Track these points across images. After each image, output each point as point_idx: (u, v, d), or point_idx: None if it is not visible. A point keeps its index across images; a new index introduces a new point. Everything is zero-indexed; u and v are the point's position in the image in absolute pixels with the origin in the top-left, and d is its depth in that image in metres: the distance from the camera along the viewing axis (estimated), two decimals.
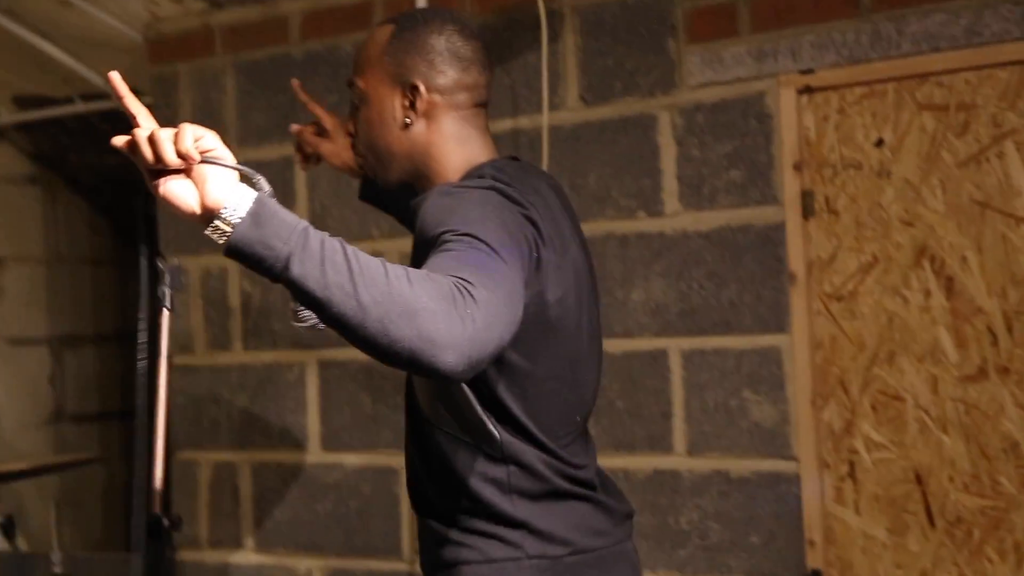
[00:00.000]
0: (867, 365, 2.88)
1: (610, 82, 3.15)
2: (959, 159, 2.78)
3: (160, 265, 1.89)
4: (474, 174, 1.76)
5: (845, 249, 2.90)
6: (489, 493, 1.74)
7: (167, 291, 1.87)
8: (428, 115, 1.79)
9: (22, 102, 4.40)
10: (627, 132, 3.14)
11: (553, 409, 1.77)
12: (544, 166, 3.17)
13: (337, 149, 2.19)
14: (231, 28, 3.67)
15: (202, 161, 1.42)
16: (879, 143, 2.85)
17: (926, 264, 2.81)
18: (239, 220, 1.39)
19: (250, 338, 3.67)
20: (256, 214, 1.39)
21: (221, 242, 1.40)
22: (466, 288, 1.41)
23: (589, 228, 3.15)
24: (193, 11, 3.68)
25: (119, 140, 1.44)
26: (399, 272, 1.40)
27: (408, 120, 1.78)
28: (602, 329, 1.92)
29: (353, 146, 1.88)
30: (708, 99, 3.03)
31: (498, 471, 1.74)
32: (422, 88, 1.77)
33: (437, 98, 1.78)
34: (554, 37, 3.18)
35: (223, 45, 3.69)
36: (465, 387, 1.70)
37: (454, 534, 1.76)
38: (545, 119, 3.18)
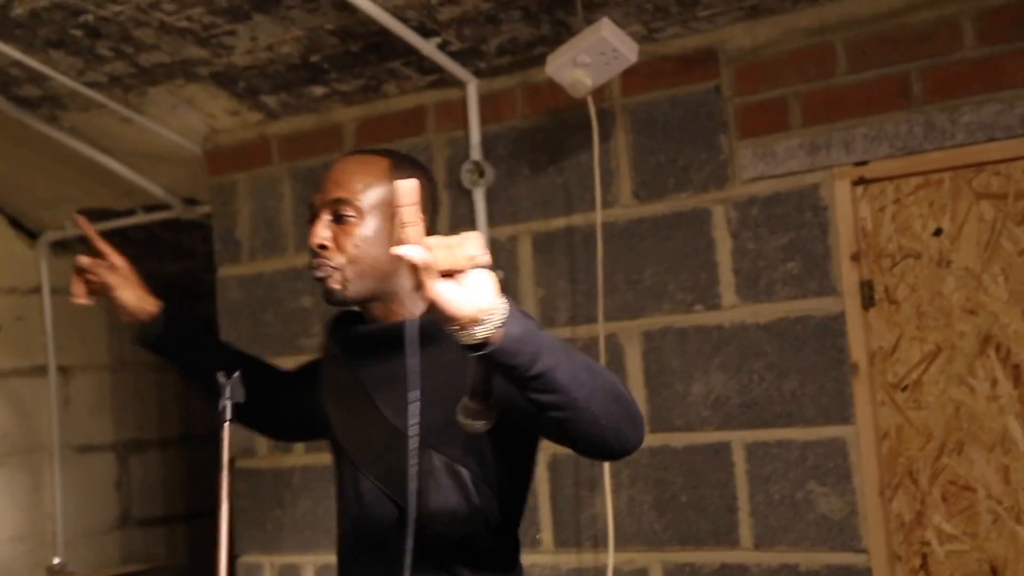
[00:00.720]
0: (935, 455, 2.84)
1: (663, 178, 3.18)
2: (1020, 247, 2.76)
3: (220, 378, 1.90)
4: None
5: (907, 339, 2.88)
6: None
7: (228, 404, 1.89)
8: None
9: (86, 215, 4.48)
10: (681, 227, 3.15)
11: (522, 506, 1.97)
12: (599, 263, 3.19)
13: (123, 283, 2.20)
14: (287, 137, 3.75)
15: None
16: (937, 232, 2.85)
17: (991, 352, 2.78)
18: (502, 322, 1.45)
19: None
20: (514, 315, 1.47)
21: (478, 341, 1.45)
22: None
23: (647, 323, 3.18)
24: (250, 123, 3.77)
25: (409, 250, 1.42)
26: (592, 360, 1.61)
27: None
28: None
29: (320, 255, 1.93)
30: (762, 192, 3.05)
31: (496, 557, 1.92)
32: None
33: None
34: (605, 136, 3.22)
35: (279, 154, 3.77)
36: (474, 470, 1.87)
37: None
38: (599, 216, 3.20)
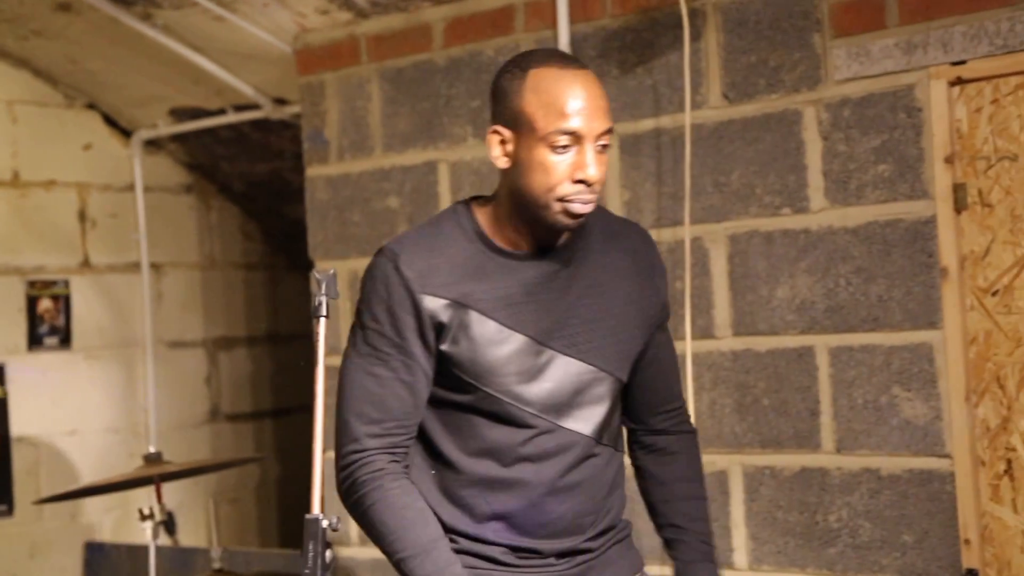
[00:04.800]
0: None
1: (753, 79, 3.14)
2: None
3: (316, 275, 1.94)
4: None
5: (1000, 243, 2.83)
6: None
7: (323, 300, 1.93)
8: None
9: (178, 114, 4.58)
10: (771, 129, 3.12)
11: None
12: (687, 165, 3.18)
13: None
14: (376, 37, 3.76)
15: None
16: None
17: None
18: None
19: None
20: None
21: None
22: None
23: (733, 226, 3.17)
24: (339, 22, 3.78)
25: None
26: None
27: None
28: None
29: (594, 190, 1.87)
30: (855, 93, 3.00)
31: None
32: None
33: None
34: (696, 35, 3.18)
35: (368, 54, 3.78)
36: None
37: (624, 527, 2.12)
38: (687, 118, 3.18)
